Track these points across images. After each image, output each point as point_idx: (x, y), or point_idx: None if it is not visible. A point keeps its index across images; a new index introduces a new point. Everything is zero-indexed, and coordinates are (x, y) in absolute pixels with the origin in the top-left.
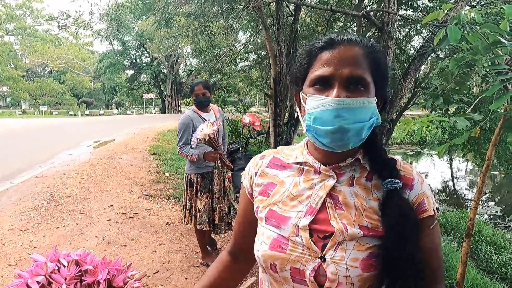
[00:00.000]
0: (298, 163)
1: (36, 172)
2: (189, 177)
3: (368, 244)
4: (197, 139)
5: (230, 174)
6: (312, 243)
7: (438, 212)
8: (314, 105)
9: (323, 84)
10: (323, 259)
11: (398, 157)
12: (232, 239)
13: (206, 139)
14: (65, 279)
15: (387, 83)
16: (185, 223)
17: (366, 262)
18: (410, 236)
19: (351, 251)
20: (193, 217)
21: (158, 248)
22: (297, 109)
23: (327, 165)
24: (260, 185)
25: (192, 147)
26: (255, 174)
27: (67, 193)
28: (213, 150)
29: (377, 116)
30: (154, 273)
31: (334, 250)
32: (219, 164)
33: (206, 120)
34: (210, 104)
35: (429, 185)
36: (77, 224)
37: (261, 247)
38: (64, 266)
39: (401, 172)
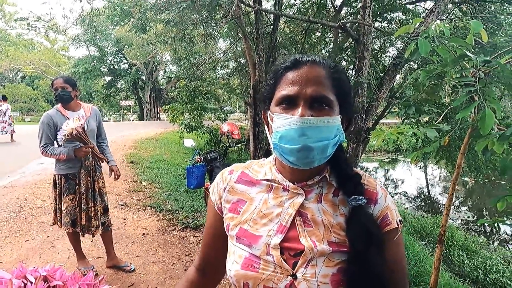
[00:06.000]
0: (267, 180)
1: (5, 182)
2: (54, 178)
3: (337, 259)
4: (64, 135)
5: (208, 183)
6: (283, 261)
7: (401, 224)
8: (280, 123)
9: (288, 103)
10: (294, 276)
11: (362, 172)
12: (200, 253)
13: (74, 133)
14: None
15: (351, 102)
16: (51, 224)
17: (336, 278)
18: (373, 252)
19: (321, 267)
20: (59, 218)
21: (133, 260)
22: (265, 127)
23: (295, 183)
24: (230, 201)
25: (60, 145)
26: (224, 190)
27: (38, 204)
28: (83, 145)
29: (341, 134)
30: (129, 287)
31: (304, 268)
32: (87, 164)
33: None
34: (84, 104)
35: (394, 198)
36: (48, 236)
37: (233, 266)
38: (31, 283)
39: (365, 187)
